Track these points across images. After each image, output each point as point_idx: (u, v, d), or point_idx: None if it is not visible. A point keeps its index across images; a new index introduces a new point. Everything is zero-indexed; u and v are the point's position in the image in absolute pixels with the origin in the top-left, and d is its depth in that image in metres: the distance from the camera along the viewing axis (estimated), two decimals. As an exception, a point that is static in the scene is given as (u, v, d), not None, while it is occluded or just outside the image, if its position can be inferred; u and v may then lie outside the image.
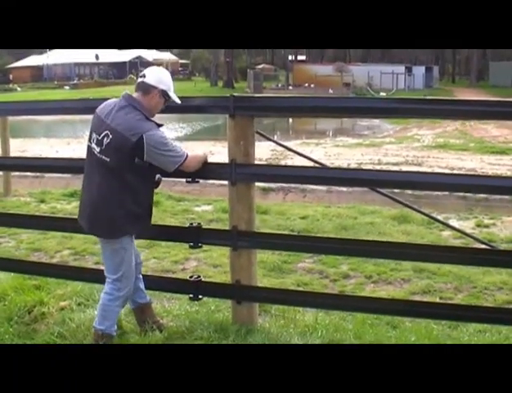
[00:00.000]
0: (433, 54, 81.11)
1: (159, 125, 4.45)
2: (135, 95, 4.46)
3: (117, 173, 4.34)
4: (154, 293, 5.11)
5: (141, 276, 4.98)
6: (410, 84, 55.91)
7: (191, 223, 5.15)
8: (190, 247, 5.14)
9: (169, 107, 5.12)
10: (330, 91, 48.09)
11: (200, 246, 5.16)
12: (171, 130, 28.55)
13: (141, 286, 4.97)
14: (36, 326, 5.16)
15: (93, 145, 4.40)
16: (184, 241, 5.52)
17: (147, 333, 4.85)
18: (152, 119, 4.44)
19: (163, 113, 5.15)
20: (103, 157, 4.34)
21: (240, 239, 4.84)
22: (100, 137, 4.35)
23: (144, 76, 4.48)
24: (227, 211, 5.08)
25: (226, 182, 4.94)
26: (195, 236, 5.06)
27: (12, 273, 6.10)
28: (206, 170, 4.79)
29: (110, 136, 4.30)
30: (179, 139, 22.41)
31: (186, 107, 5.25)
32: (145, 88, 4.44)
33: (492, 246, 5.57)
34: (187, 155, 4.48)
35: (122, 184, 4.36)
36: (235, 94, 4.78)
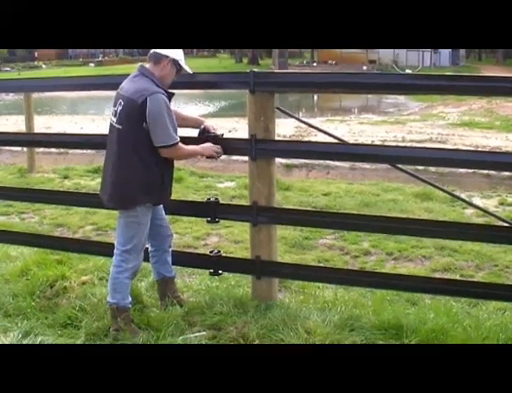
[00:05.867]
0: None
1: (170, 95, 4.49)
2: (147, 65, 4.52)
3: (128, 140, 4.39)
4: (175, 268, 5.13)
5: (170, 249, 5.01)
6: (436, 62, 55.17)
7: (209, 198, 5.16)
8: (208, 222, 5.15)
9: (190, 83, 5.12)
10: (364, 67, 47.73)
11: (218, 221, 5.16)
12: (196, 107, 28.57)
13: (169, 259, 5.00)
14: (58, 300, 5.20)
15: (112, 118, 4.50)
16: (202, 216, 5.53)
17: (167, 308, 4.89)
18: (163, 88, 4.45)
19: (183, 89, 5.17)
20: (117, 126, 4.42)
21: (260, 214, 4.84)
22: (116, 108, 4.45)
23: None
24: (249, 187, 5.08)
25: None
26: (212, 211, 5.06)
27: (35, 248, 6.17)
28: (227, 146, 4.79)
29: (122, 103, 4.39)
30: (204, 117, 22.33)
31: (206, 83, 5.27)
32: (156, 58, 4.48)
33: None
34: (177, 143, 4.46)
35: (133, 152, 4.40)
36: (255, 70, 4.77)
